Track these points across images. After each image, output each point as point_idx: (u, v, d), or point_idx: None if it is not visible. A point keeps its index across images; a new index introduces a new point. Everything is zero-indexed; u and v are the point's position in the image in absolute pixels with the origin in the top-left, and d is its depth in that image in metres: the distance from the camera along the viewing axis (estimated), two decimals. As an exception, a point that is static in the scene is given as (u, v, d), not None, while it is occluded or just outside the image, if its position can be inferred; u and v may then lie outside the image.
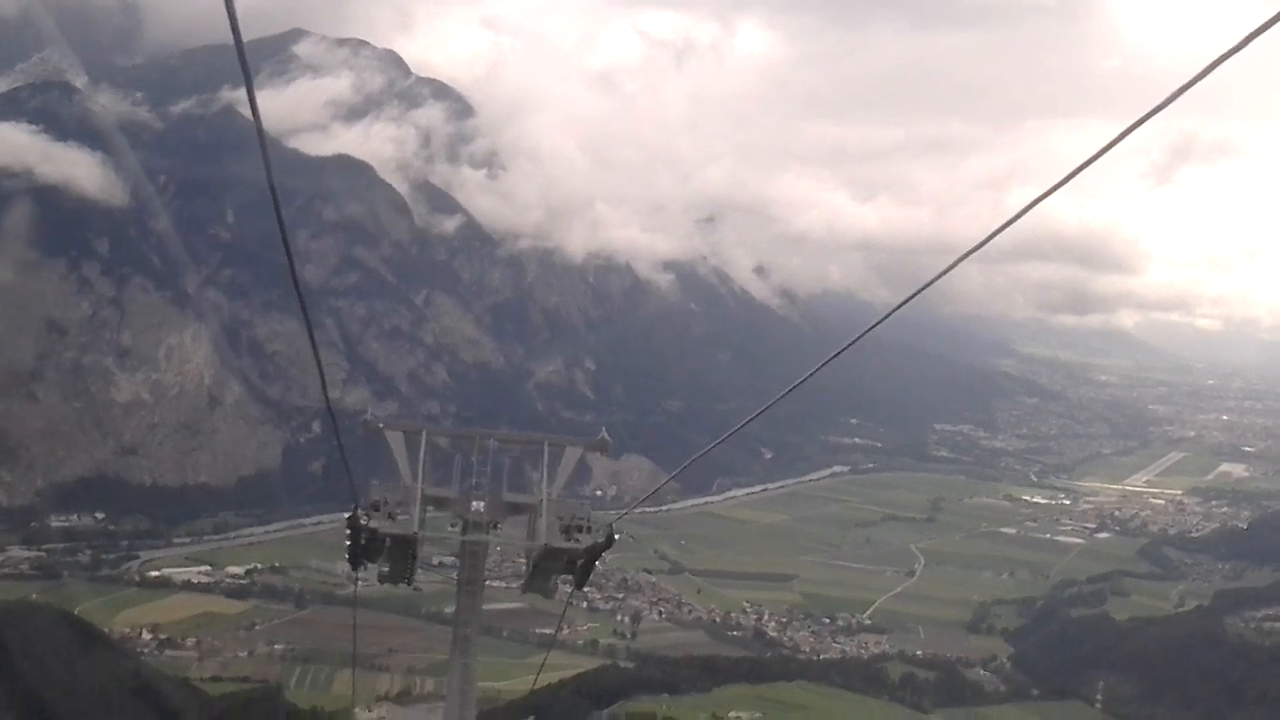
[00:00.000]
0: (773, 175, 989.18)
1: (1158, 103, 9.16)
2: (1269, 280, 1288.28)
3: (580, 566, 23.08)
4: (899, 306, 14.56)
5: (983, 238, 11.90)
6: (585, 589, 27.04)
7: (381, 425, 23.36)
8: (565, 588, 25.25)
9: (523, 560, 30.50)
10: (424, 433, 23.39)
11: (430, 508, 22.83)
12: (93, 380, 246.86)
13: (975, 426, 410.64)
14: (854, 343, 16.24)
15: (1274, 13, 7.99)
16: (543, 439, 24.30)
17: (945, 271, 13.07)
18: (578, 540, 22.00)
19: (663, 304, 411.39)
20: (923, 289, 13.65)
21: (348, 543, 21.96)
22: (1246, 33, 8.25)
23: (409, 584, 25.41)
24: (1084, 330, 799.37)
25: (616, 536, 22.18)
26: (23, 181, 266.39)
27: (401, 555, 22.64)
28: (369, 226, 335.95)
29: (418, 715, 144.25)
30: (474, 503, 22.87)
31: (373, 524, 21.45)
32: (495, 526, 23.19)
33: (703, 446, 32.13)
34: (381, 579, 24.04)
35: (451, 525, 23.14)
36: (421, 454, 22.72)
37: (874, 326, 15.59)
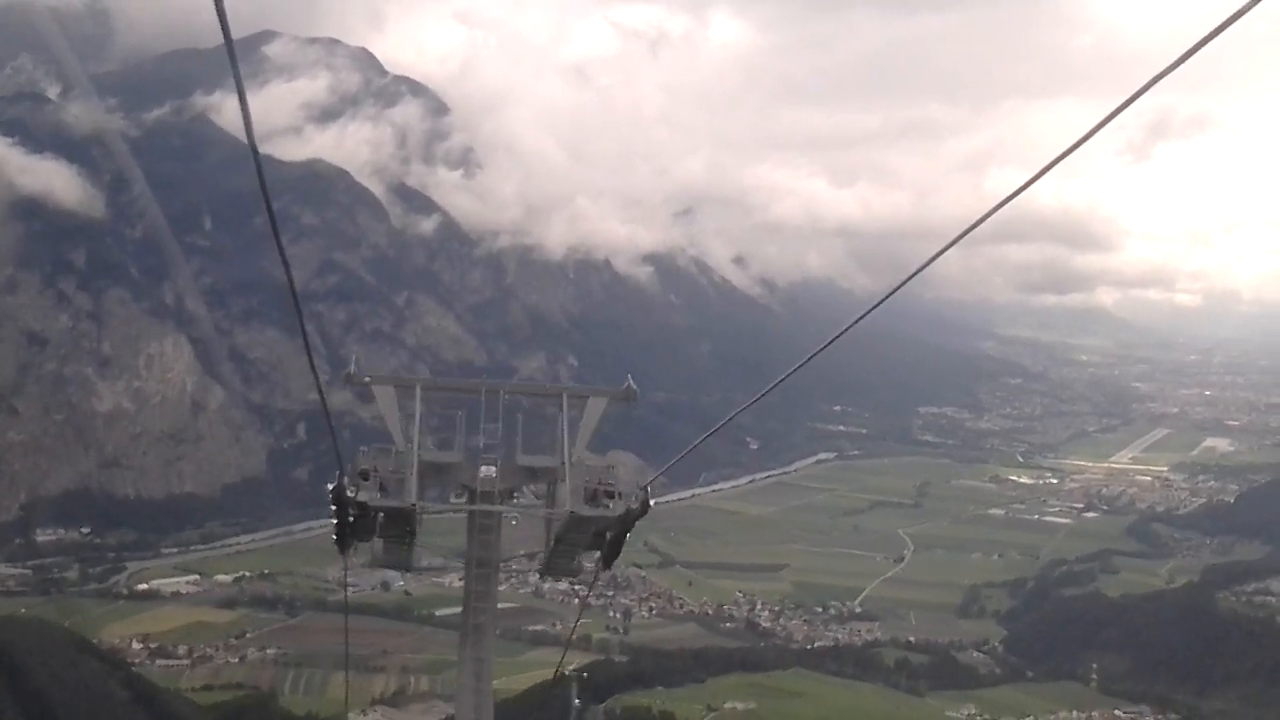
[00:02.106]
0: (750, 164, 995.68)
1: (1133, 81, 8.88)
2: (1247, 253, 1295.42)
3: (610, 539, 20.30)
4: (888, 296, 13.93)
5: (963, 220, 11.52)
6: (611, 568, 22.79)
7: (368, 379, 20.38)
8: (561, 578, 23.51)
9: (521, 552, 26.37)
10: (419, 386, 20.46)
11: (430, 477, 19.94)
12: (74, 392, 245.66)
13: (959, 409, 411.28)
14: (844, 332, 15.55)
15: None
16: (561, 390, 21.27)
17: (932, 260, 12.71)
18: (607, 507, 19.02)
19: (643, 297, 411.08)
20: (910, 278, 13.27)
21: (334, 521, 19.34)
22: (1219, 8, 7.97)
23: (407, 569, 23.29)
24: (1064, 310, 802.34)
25: (652, 503, 19.26)
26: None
27: (397, 534, 20.16)
28: (347, 230, 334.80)
29: (412, 717, 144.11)
30: (483, 468, 19.97)
31: (361, 496, 18.44)
32: (510, 496, 20.43)
33: (688, 439, 28.06)
34: (374, 563, 21.73)
35: (456, 496, 20.37)
36: (417, 412, 19.78)
37: (863, 316, 14.52)
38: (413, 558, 21.66)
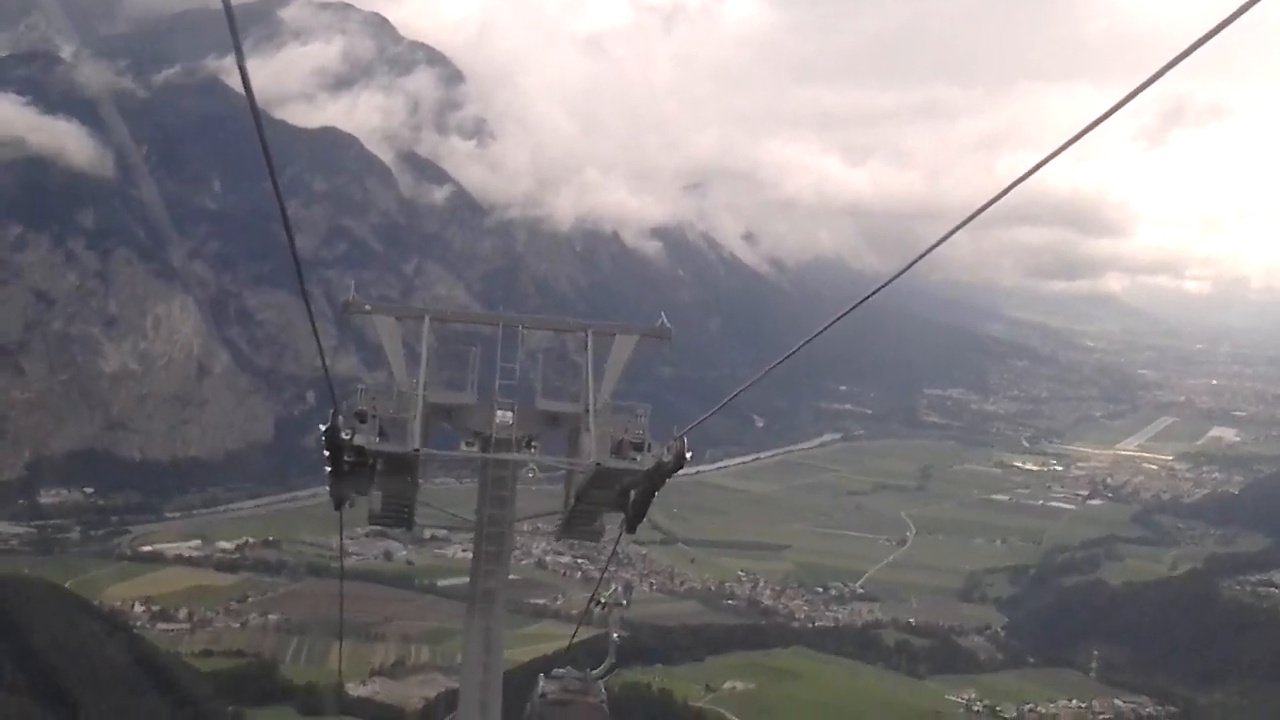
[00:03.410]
0: (762, 140, 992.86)
1: (1148, 66, 8.28)
2: (1259, 241, 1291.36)
3: (636, 498, 18.33)
4: (898, 274, 13.31)
5: (974, 202, 10.89)
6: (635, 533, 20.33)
7: (368, 308, 18.63)
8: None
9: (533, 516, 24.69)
10: (427, 318, 18.65)
11: (438, 421, 18.07)
12: (80, 351, 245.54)
13: (966, 390, 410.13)
14: (853, 309, 14.38)
15: None
16: (586, 326, 19.05)
17: (943, 240, 11.98)
18: (635, 460, 16.91)
19: (650, 271, 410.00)
20: (921, 257, 12.70)
21: (327, 469, 17.23)
22: None
23: (408, 527, 20.71)
24: (1072, 295, 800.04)
25: (689, 455, 16.72)
26: (9, 152, 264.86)
27: (398, 485, 18.04)
28: (357, 197, 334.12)
29: (411, 689, 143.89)
30: (499, 412, 17.83)
31: (357, 440, 16.35)
32: (528, 445, 17.94)
33: (694, 414, 22.96)
34: (372, 519, 19.17)
35: (468, 444, 17.89)
36: (424, 347, 18.08)
37: (874, 294, 13.62)
38: (414, 515, 19.69)
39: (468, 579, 18.85)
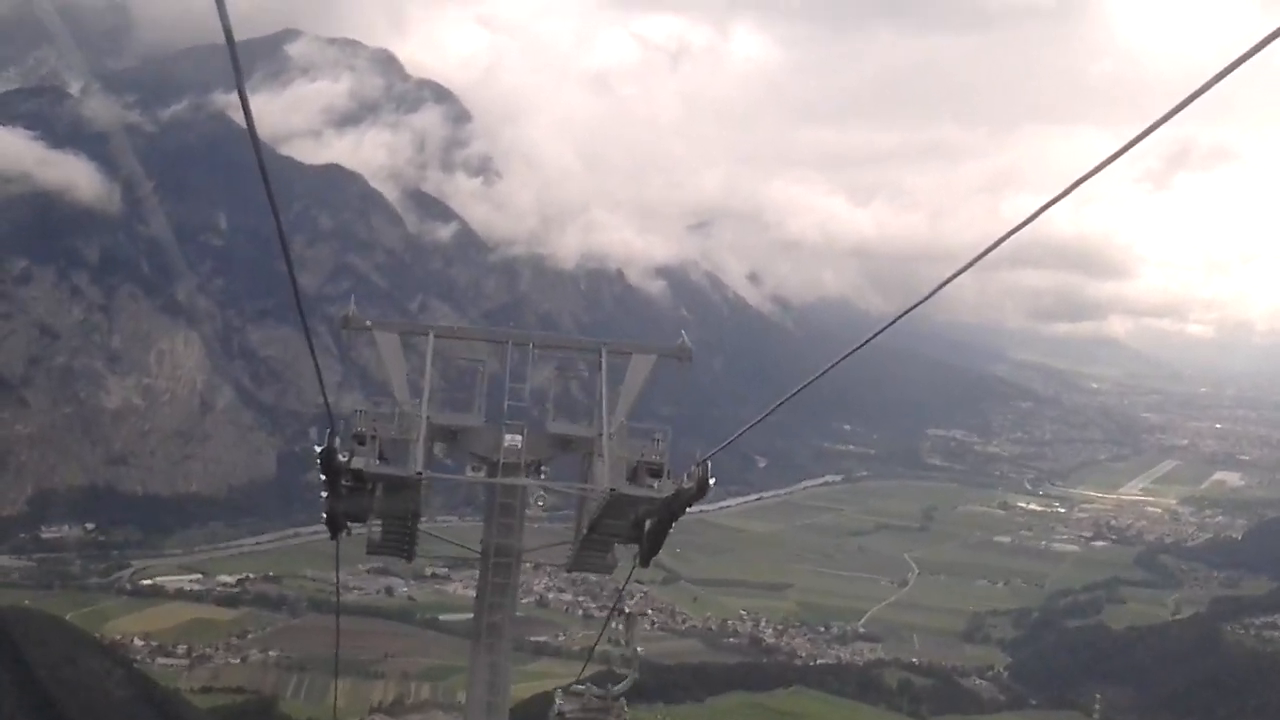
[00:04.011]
0: (767, 180, 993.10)
1: (1152, 109, 8.35)
2: (1263, 285, 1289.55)
3: (651, 528, 17.17)
4: (904, 314, 13.00)
5: (977, 243, 10.88)
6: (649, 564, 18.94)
7: (369, 324, 17.86)
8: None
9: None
10: (431, 335, 17.75)
11: (442, 444, 17.19)
12: (83, 386, 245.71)
13: (969, 431, 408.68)
14: (862, 346, 14.19)
15: (1277, 23, 7.06)
16: (599, 344, 18.13)
17: (951, 279, 11.90)
18: (654, 487, 15.83)
19: (654, 310, 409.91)
20: (928, 297, 12.58)
21: (323, 494, 16.29)
22: (1240, 36, 7.44)
23: (409, 558, 19.27)
24: (1075, 338, 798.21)
25: (712, 481, 15.56)
26: (16, 186, 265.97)
27: (399, 511, 17.02)
28: (362, 234, 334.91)
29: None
30: (507, 436, 16.89)
31: (356, 463, 15.43)
32: (537, 470, 17.27)
33: (696, 453, 21.15)
34: (371, 548, 18.32)
35: (474, 469, 17.10)
36: (428, 365, 17.14)
37: (882, 331, 13.49)
38: (415, 544, 18.62)
39: (471, 614, 18.49)
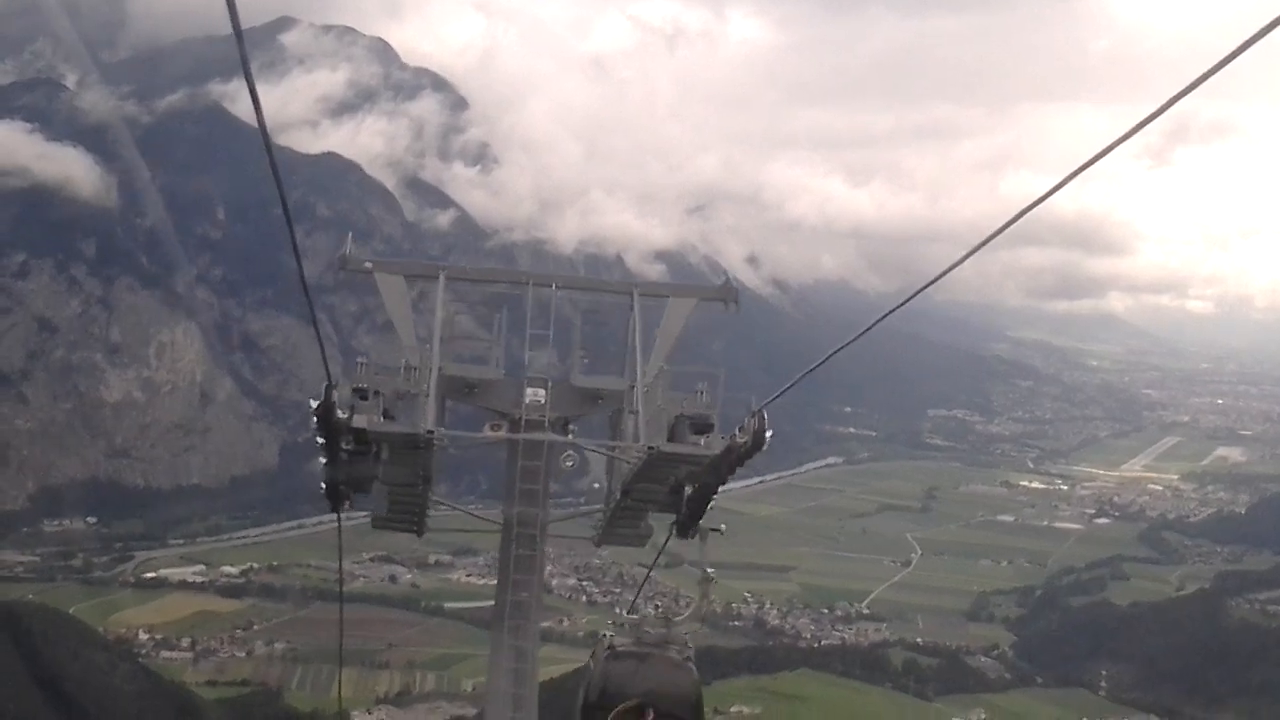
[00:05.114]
0: (765, 163, 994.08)
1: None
2: (1263, 260, 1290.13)
3: (693, 493, 15.15)
4: (910, 299, 12.48)
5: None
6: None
7: (369, 265, 16.18)
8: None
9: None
10: (441, 276, 16.35)
11: (456, 400, 15.60)
12: (83, 380, 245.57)
13: (970, 411, 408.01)
14: (863, 334, 13.42)
15: None
16: (630, 286, 16.63)
17: (957, 264, 11.34)
18: (699, 443, 14.21)
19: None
20: (934, 281, 11.21)
21: (321, 461, 14.43)
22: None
23: (419, 531, 17.19)
24: (1075, 315, 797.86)
25: (770, 434, 13.42)
26: (13, 180, 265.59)
27: (407, 477, 14.97)
28: (360, 222, 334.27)
29: (417, 717, 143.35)
30: (529, 390, 15.28)
31: (358, 421, 13.58)
32: (564, 429, 15.50)
33: (751, 400, 18.03)
34: (377, 522, 16.33)
35: (493, 427, 15.40)
36: (439, 311, 15.72)
37: (884, 318, 12.79)
38: (427, 516, 16.68)
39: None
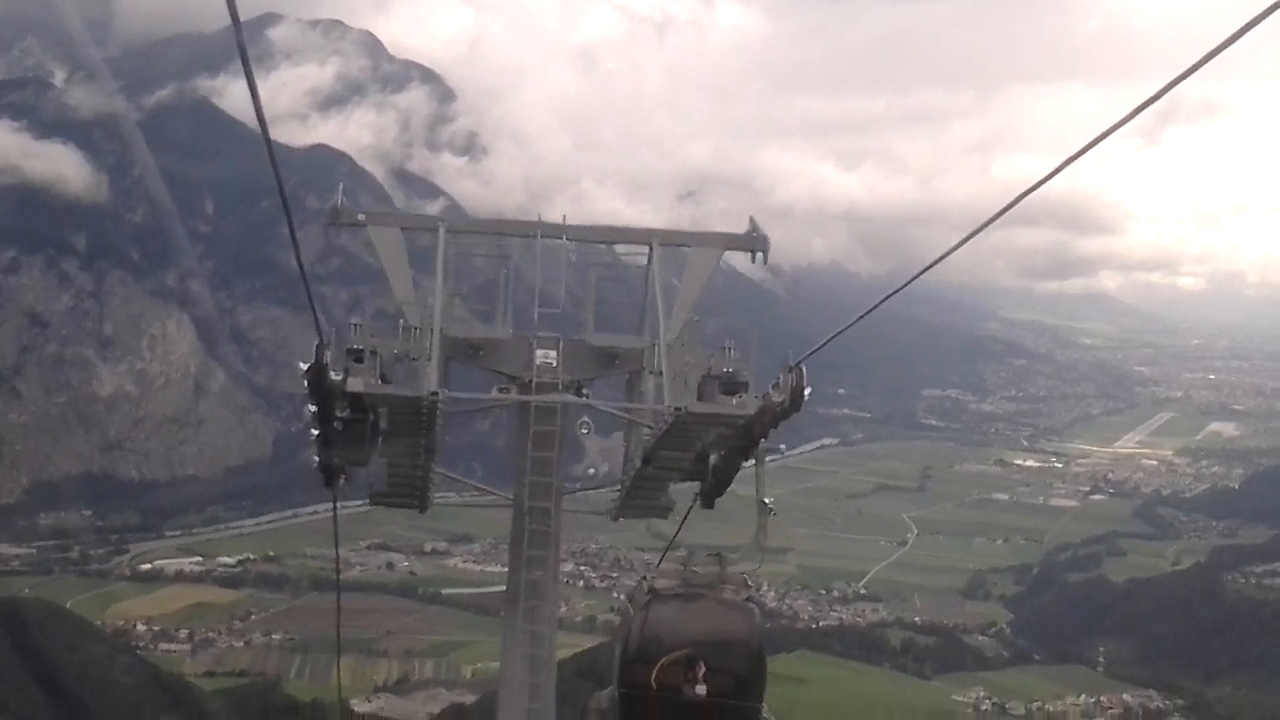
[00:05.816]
0: (756, 148, 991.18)
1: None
2: (1253, 237, 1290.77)
3: (719, 461, 14.36)
4: (908, 283, 12.13)
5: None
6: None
7: (362, 217, 15.09)
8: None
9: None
10: (441, 228, 15.15)
11: (460, 361, 14.50)
12: (75, 374, 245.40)
13: (963, 391, 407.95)
14: (862, 318, 13.20)
15: None
16: (649, 235, 15.62)
17: (955, 248, 10.86)
18: (732, 403, 12.87)
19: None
20: (932, 265, 11.54)
21: (313, 432, 13.23)
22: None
23: (421, 507, 15.83)
24: (1067, 294, 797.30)
25: (808, 391, 12.77)
26: (3, 178, 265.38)
27: (407, 448, 13.77)
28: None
29: (416, 705, 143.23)
30: (539, 350, 14.22)
31: (352, 384, 12.28)
32: (578, 391, 14.28)
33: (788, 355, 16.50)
34: (375, 498, 15.02)
35: (502, 389, 14.21)
36: (439, 263, 14.75)
37: (882, 302, 12.57)
38: (430, 491, 15.24)
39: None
